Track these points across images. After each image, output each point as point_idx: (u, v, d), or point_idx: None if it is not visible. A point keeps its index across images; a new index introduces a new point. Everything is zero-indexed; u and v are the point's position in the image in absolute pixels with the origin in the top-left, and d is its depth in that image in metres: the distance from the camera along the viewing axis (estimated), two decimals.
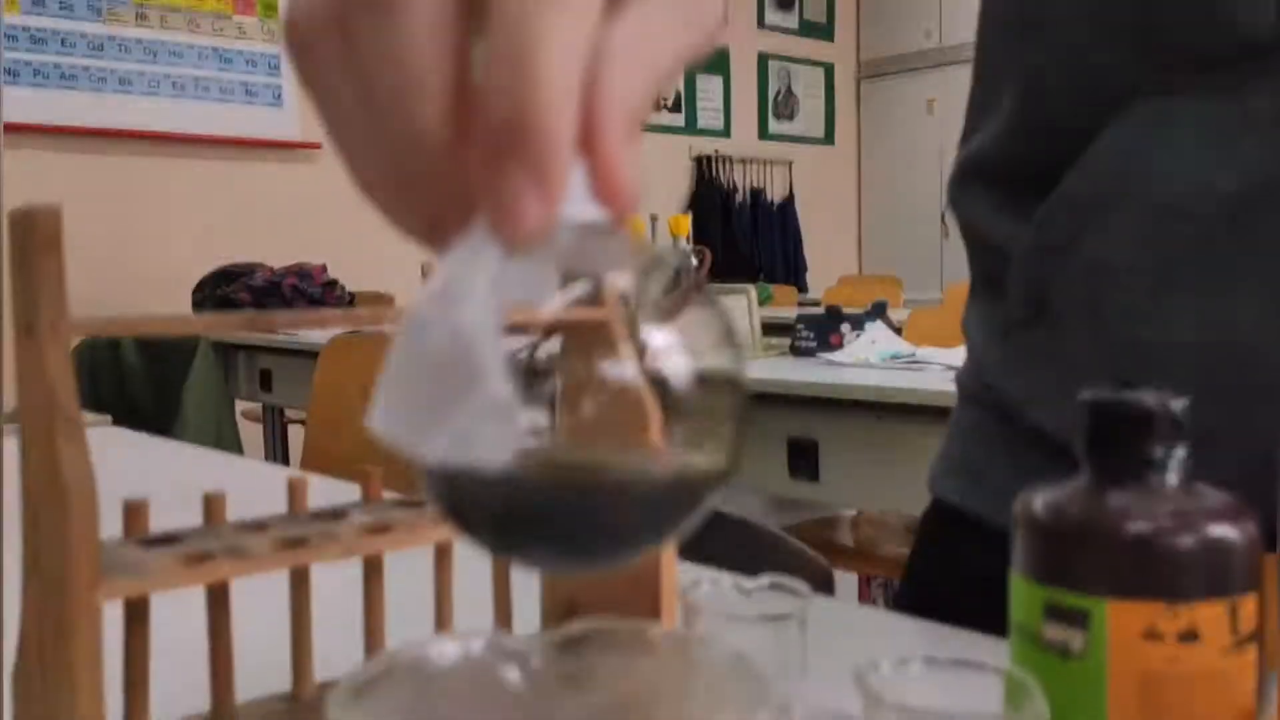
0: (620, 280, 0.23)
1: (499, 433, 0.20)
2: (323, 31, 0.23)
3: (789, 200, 6.34)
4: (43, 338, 0.36)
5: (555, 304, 0.22)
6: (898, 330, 2.44)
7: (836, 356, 2.30)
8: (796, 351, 2.39)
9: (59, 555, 0.35)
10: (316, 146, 4.94)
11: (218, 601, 0.43)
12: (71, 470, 0.35)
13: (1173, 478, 0.33)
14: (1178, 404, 0.33)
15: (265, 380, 3.35)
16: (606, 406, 0.23)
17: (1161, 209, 0.54)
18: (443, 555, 0.49)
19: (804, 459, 2.05)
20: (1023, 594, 0.35)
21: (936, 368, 2.11)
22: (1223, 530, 0.32)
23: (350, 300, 4.24)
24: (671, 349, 0.22)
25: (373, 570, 0.47)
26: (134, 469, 1.26)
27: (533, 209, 0.20)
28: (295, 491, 0.44)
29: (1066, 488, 0.35)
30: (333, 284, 4.29)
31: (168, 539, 0.41)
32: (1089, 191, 0.57)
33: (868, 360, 2.23)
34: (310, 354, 3.00)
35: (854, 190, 6.81)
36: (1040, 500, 0.35)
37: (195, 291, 4.34)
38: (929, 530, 0.72)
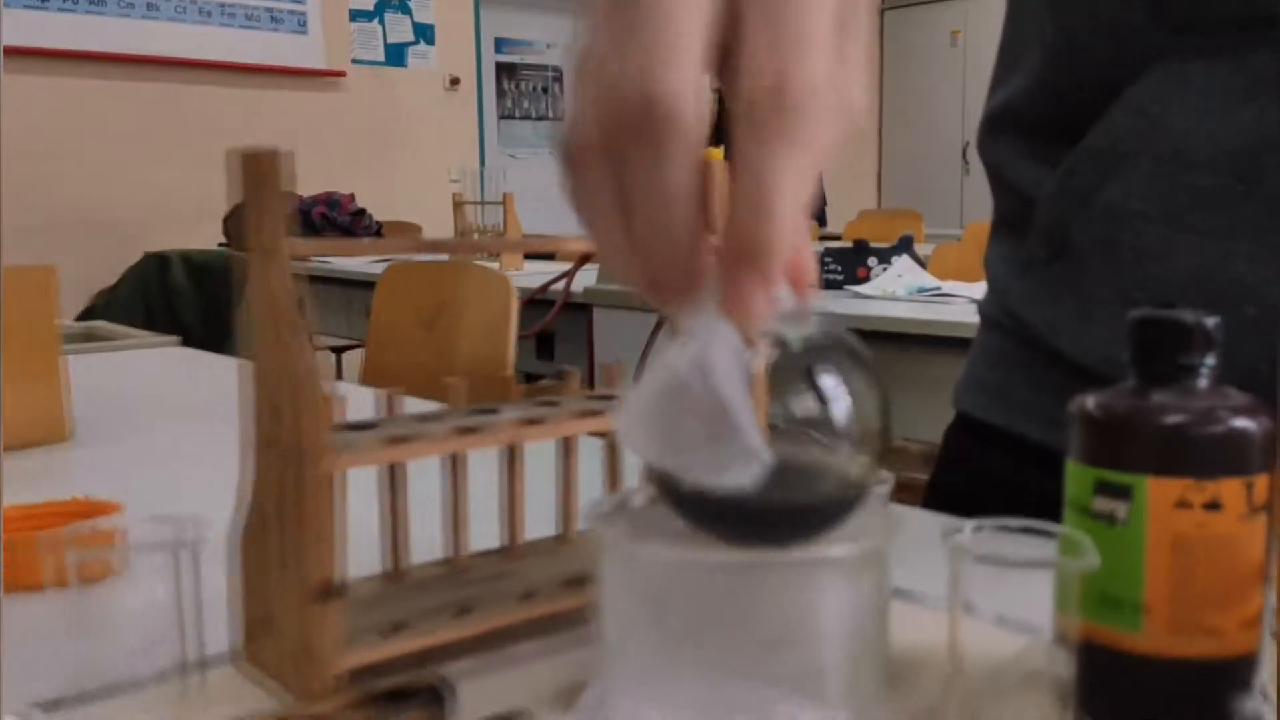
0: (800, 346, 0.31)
1: (748, 469, 0.28)
2: (597, 156, 0.30)
3: None
4: (268, 257, 0.44)
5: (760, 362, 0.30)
6: (923, 264, 2.50)
7: (863, 289, 2.37)
8: (824, 284, 2.46)
9: (297, 435, 0.43)
10: (341, 74, 4.96)
11: (397, 480, 0.51)
12: (303, 363, 0.43)
13: (1204, 381, 0.41)
14: (1211, 321, 0.41)
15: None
16: (793, 438, 0.32)
17: (1173, 162, 0.62)
18: (569, 448, 0.57)
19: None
20: (1076, 475, 0.43)
21: (961, 301, 2.18)
22: (1243, 422, 0.40)
23: (378, 230, 4.31)
24: (839, 396, 0.31)
25: (514, 458, 0.55)
26: (217, 383, 1.35)
27: (761, 303, 0.28)
28: (391, 402, 0.52)
29: (1115, 389, 0.42)
30: (361, 213, 4.36)
31: (361, 426, 0.49)
32: (1109, 145, 0.64)
33: (894, 293, 2.30)
34: (339, 281, 3.08)
35: (875, 123, 6.80)
36: (1093, 400, 0.43)
37: (226, 219, 4.41)
38: (952, 442, 0.80)
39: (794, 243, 0.29)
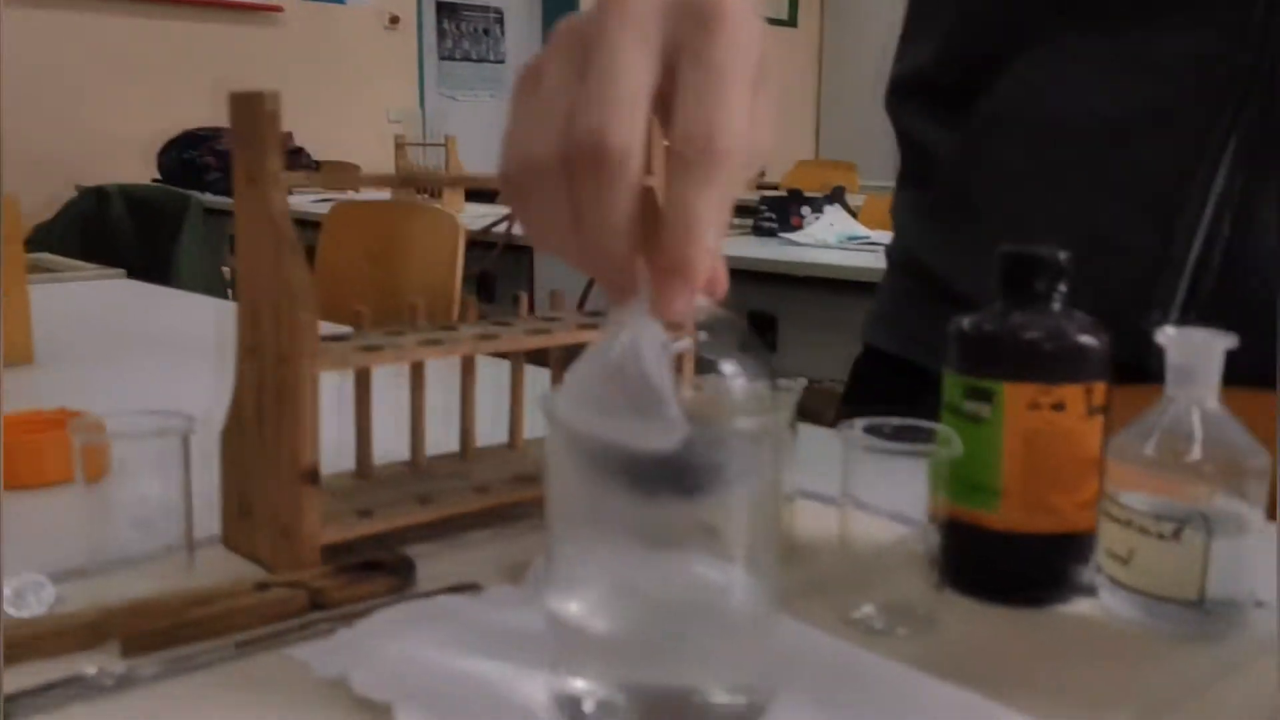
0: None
1: (670, 437, 0.35)
2: (551, 179, 0.36)
3: None
4: (267, 185, 0.50)
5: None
6: (854, 214, 2.59)
7: (796, 237, 2.45)
8: (759, 231, 2.54)
9: (286, 336, 0.49)
10: (278, 9, 4.89)
11: (366, 387, 0.58)
12: (295, 273, 0.49)
13: (1056, 305, 0.49)
14: (1063, 255, 0.49)
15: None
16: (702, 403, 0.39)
17: (1053, 128, 0.70)
18: (518, 365, 0.64)
19: (763, 332, 2.22)
20: (950, 383, 0.51)
21: None
22: (1085, 339, 0.48)
23: (316, 168, 4.29)
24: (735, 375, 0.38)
25: (469, 370, 0.62)
26: (164, 315, 1.39)
27: (684, 306, 0.36)
28: (360, 320, 0.58)
29: (984, 312, 0.50)
30: (298, 151, 4.33)
31: (337, 338, 0.55)
32: (998, 111, 0.72)
33: (826, 241, 2.38)
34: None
35: (814, 74, 6.87)
36: (966, 320, 0.50)
37: (161, 154, 4.35)
38: (860, 370, 0.89)
39: (712, 260, 0.37)
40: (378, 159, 4.77)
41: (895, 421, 0.48)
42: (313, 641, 0.45)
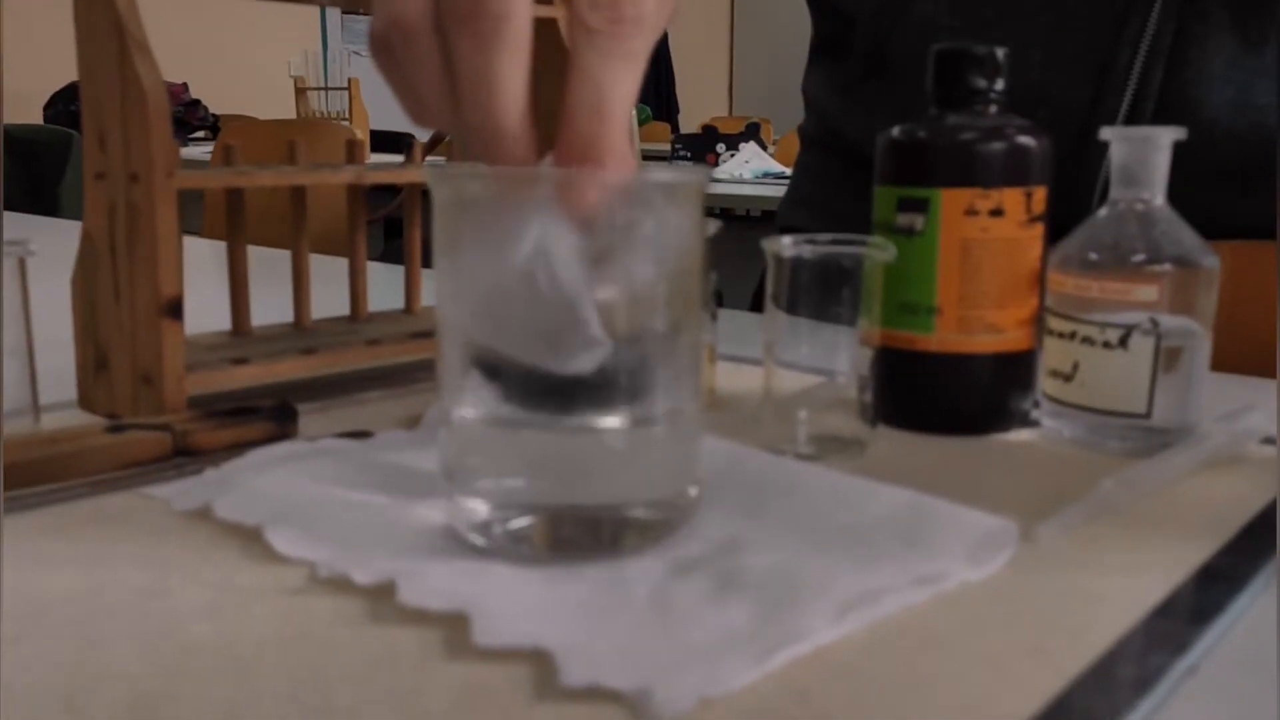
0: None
1: (590, 356, 0.31)
2: (423, 35, 0.31)
3: (663, 40, 6.30)
4: None
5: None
6: (770, 152, 2.56)
7: (711, 173, 2.41)
8: None
9: (136, 150, 0.44)
10: None
11: (234, 215, 0.52)
12: (147, 76, 0.43)
13: (994, 109, 0.45)
14: (1000, 50, 0.45)
15: None
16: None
17: None
18: (411, 220, 0.58)
19: None
20: (881, 198, 0.47)
21: None
22: (1024, 140, 0.45)
23: (214, 122, 4.12)
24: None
25: (356, 229, 0.56)
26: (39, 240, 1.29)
27: (596, 194, 0.31)
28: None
29: (917, 119, 0.46)
30: (195, 104, 4.15)
31: (203, 170, 0.49)
32: None
33: (741, 176, 2.35)
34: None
35: (727, 31, 6.83)
36: (898, 128, 0.46)
37: (47, 107, 4.13)
38: None
39: (622, 142, 0.32)
40: (280, 111, 4.60)
41: (822, 237, 0.44)
42: (175, 482, 0.39)
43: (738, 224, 2.10)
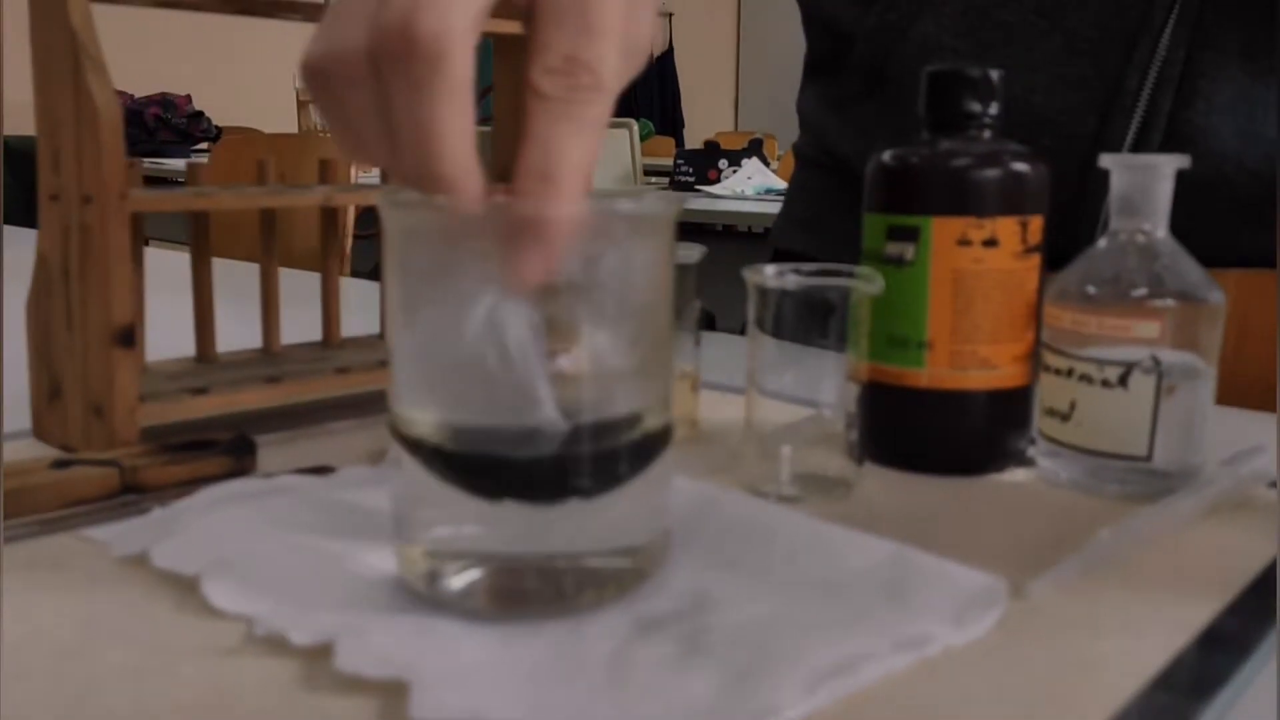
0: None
1: (544, 442, 0.29)
2: (354, 77, 0.29)
3: (668, 54, 6.32)
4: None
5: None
6: (773, 170, 2.54)
7: (713, 190, 2.40)
8: (675, 185, 2.48)
9: (90, 171, 0.42)
10: None
11: (199, 239, 0.50)
12: (99, 94, 0.41)
13: (988, 133, 0.43)
14: (995, 72, 0.43)
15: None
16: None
17: (982, 3, 0.64)
18: None
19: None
20: (871, 226, 0.45)
21: None
22: (1020, 166, 0.43)
23: (216, 134, 4.12)
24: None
25: (331, 237, 0.54)
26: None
27: (539, 269, 0.28)
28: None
29: (908, 145, 0.44)
30: (198, 115, 4.15)
31: (162, 190, 0.47)
32: None
33: (743, 193, 2.33)
34: (175, 182, 2.93)
35: (733, 45, 6.83)
36: (888, 154, 0.44)
37: None
38: None
39: (575, 215, 0.29)
40: (282, 123, 4.60)
41: (807, 267, 0.42)
42: (120, 522, 0.37)
43: (738, 241, 2.08)
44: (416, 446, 0.31)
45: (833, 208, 0.77)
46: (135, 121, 3.85)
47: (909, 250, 0.43)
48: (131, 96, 3.98)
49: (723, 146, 2.51)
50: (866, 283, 0.40)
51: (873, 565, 0.33)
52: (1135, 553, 0.37)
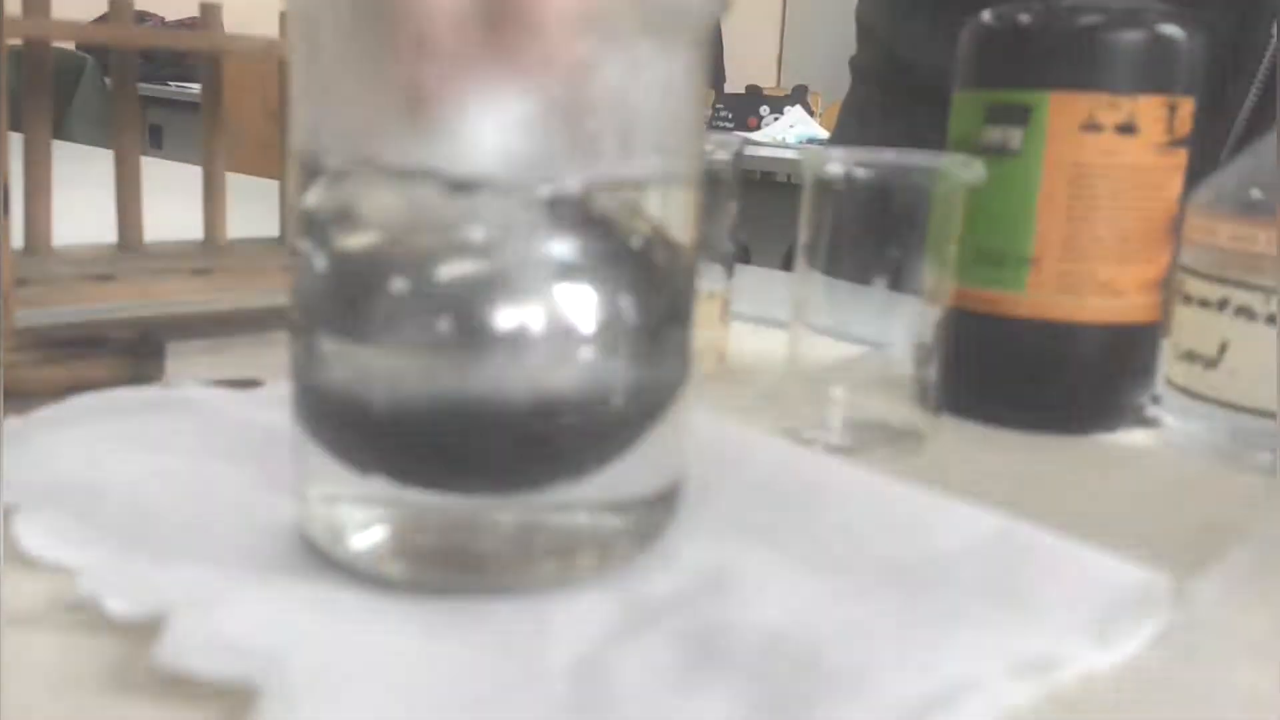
0: None
1: None
2: None
3: None
4: None
5: None
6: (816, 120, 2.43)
7: (754, 137, 2.28)
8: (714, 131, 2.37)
9: None
10: None
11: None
12: None
13: None
14: None
15: (155, 136, 3.17)
16: None
17: None
18: None
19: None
20: (963, 107, 0.34)
21: None
22: (1170, 30, 0.32)
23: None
24: None
25: None
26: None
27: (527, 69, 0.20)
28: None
29: (1016, 1, 0.34)
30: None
31: None
32: None
33: (784, 141, 2.22)
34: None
35: (779, 4, 6.64)
36: (991, 11, 0.34)
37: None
38: None
39: None
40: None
41: (886, 152, 0.32)
42: None
43: (777, 192, 1.97)
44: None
45: (893, 126, 0.66)
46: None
47: (1015, 137, 0.33)
48: (162, 19, 3.88)
49: (765, 93, 2.39)
50: (963, 168, 0.30)
51: (970, 546, 0.23)
52: None
